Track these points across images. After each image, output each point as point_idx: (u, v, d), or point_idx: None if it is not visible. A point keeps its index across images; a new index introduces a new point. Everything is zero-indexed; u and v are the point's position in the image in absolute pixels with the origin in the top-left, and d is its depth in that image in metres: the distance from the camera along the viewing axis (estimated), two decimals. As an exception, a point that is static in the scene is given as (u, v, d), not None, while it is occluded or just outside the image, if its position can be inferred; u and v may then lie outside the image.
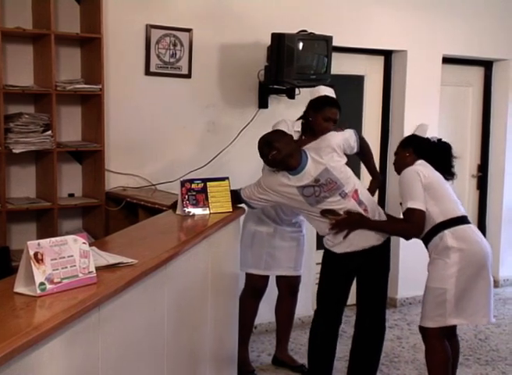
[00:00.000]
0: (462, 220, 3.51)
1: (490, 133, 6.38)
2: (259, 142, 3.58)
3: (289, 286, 4.29)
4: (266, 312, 4.47)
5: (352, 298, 3.84)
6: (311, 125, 3.88)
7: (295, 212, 3.99)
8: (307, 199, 3.55)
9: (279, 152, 3.46)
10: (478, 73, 6.34)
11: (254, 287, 4.14)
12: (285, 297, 4.33)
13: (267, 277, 4.21)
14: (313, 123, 3.86)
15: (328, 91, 3.96)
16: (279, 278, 4.27)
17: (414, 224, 3.46)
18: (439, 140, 3.77)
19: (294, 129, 3.93)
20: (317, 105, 3.88)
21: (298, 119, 4.00)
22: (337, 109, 3.88)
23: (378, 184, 3.95)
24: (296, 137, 3.86)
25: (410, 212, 3.44)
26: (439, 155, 3.68)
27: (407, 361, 4.55)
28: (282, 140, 3.49)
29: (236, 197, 3.59)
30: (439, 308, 3.44)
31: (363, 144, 3.83)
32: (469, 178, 6.33)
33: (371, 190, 3.88)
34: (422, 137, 3.80)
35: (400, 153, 3.76)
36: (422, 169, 3.53)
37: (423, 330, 3.57)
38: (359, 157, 3.94)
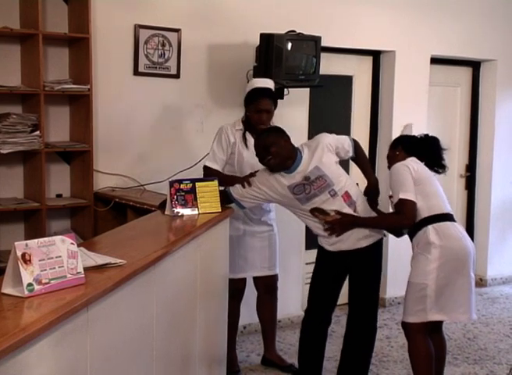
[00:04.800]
0: (447, 217, 3.54)
1: (478, 133, 6.41)
2: (256, 143, 3.61)
3: (266, 286, 4.27)
4: (255, 312, 4.47)
5: (342, 298, 3.84)
6: (249, 120, 3.95)
7: (265, 209, 4.04)
8: (298, 197, 3.56)
9: (275, 157, 3.51)
10: (466, 73, 6.37)
11: (233, 289, 4.09)
12: (264, 297, 4.32)
13: (244, 279, 4.20)
14: (249, 118, 3.95)
15: (262, 83, 4.00)
16: (255, 279, 4.27)
17: (406, 215, 3.49)
18: (426, 135, 3.81)
19: (236, 128, 3.99)
20: (248, 99, 3.96)
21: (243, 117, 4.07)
22: (269, 99, 3.93)
23: (374, 189, 3.79)
24: (239, 135, 3.95)
25: (402, 203, 3.47)
26: (428, 148, 3.72)
27: (396, 360, 4.56)
28: (279, 143, 3.52)
29: (225, 196, 3.59)
30: (419, 303, 3.46)
31: (357, 149, 3.78)
32: (457, 178, 6.35)
33: (368, 195, 3.74)
34: (409, 135, 3.83)
35: (390, 154, 3.80)
36: (412, 164, 3.56)
37: (405, 326, 3.59)
38: (355, 162, 3.90)
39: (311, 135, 4.84)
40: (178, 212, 3.37)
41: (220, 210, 3.47)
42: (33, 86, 3.88)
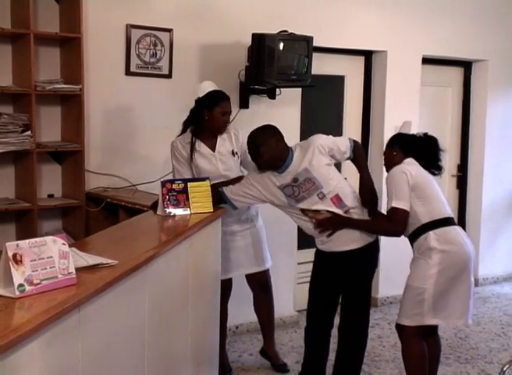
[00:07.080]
0: (447, 222, 3.50)
1: (469, 133, 6.43)
2: (248, 140, 3.60)
3: (259, 282, 4.25)
4: (247, 312, 4.47)
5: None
6: (207, 125, 3.85)
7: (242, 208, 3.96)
8: (288, 199, 3.57)
9: (263, 157, 3.51)
10: (457, 73, 6.39)
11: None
12: (259, 296, 4.30)
13: (229, 279, 4.14)
14: (210, 122, 3.84)
15: (213, 86, 3.91)
16: (247, 277, 4.24)
17: (396, 223, 3.47)
18: (425, 134, 3.77)
19: (186, 142, 3.88)
20: (211, 102, 3.83)
21: (184, 127, 3.94)
22: (229, 101, 3.90)
23: (366, 188, 3.64)
24: (188, 148, 3.84)
25: (394, 212, 3.45)
26: (426, 148, 3.68)
27: (388, 360, 4.57)
28: (269, 143, 3.50)
29: (218, 196, 3.59)
30: (417, 307, 3.45)
31: (356, 150, 3.69)
32: (449, 178, 6.36)
33: (360, 193, 3.65)
34: (407, 133, 3.81)
35: (387, 153, 3.74)
36: (409, 168, 3.51)
37: (400, 328, 3.58)
38: (353, 163, 3.78)
39: (302, 135, 4.85)
40: (170, 212, 3.37)
41: (212, 210, 3.46)
42: (24, 86, 3.87)
